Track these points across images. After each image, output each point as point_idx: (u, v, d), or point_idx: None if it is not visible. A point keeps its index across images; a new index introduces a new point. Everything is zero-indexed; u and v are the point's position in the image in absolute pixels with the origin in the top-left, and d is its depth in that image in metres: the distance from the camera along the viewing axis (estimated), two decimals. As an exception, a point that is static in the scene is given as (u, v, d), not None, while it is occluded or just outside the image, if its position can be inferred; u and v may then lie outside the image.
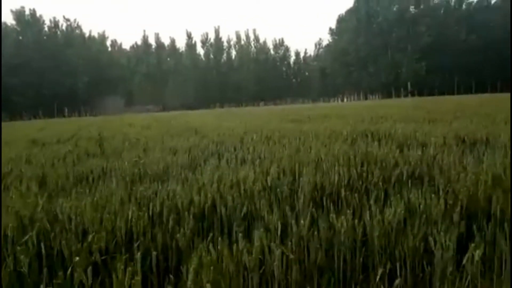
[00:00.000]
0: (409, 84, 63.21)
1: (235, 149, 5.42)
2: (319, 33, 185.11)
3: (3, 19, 70.19)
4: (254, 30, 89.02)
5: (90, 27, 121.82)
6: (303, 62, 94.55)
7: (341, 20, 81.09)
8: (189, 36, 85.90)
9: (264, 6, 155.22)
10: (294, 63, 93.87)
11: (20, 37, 69.10)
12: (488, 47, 65.85)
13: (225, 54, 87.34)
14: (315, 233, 2.32)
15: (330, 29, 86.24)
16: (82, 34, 78.17)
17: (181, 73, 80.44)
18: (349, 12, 78.02)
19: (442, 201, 2.74)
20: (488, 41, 65.88)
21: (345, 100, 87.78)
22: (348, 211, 2.47)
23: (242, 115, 20.67)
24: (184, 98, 76.77)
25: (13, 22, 69.62)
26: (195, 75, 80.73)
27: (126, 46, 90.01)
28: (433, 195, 2.80)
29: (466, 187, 3.01)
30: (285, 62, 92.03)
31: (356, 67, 71.96)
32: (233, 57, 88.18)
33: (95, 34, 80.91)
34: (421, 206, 2.62)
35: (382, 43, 67.15)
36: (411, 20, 67.25)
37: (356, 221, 2.40)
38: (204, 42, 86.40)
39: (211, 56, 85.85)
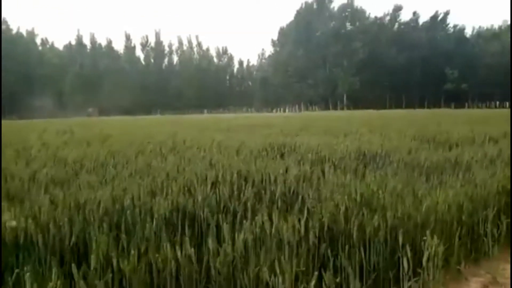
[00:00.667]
0: (345, 97, 66.42)
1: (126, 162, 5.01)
2: (263, 44, 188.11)
3: None
4: (197, 36, 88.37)
5: (18, 23, 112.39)
6: (247, 71, 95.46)
7: (282, 32, 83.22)
8: (127, 38, 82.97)
9: (208, 12, 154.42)
10: (238, 72, 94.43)
11: None
12: (414, 65, 71.43)
13: (166, 59, 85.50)
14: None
15: (272, 40, 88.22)
16: (8, 30, 72.08)
17: (118, 76, 77.12)
18: (290, 24, 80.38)
19: (303, 223, 2.60)
20: (414, 59, 71.50)
21: (287, 110, 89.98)
22: (187, 239, 2.22)
23: (171, 122, 20.07)
24: (121, 102, 73.55)
25: None
26: (133, 78, 77.92)
27: (59, 45, 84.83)
28: (294, 217, 2.66)
29: (333, 206, 2.93)
30: (228, 71, 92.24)
31: (296, 78, 74.09)
32: (175, 62, 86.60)
33: (23, 31, 74.99)
34: (273, 230, 2.45)
35: (320, 56, 69.98)
36: (347, 36, 70.98)
37: (193, 249, 2.16)
38: (144, 45, 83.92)
39: (151, 60, 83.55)
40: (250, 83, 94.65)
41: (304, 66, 72.50)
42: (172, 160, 4.80)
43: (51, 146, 7.76)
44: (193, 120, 24.76)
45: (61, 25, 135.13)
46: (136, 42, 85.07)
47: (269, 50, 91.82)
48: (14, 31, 72.95)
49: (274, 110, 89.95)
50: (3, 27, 70.86)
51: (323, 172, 4.14)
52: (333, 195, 3.25)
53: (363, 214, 2.79)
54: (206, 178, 3.54)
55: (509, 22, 63.72)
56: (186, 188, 3.26)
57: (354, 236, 2.61)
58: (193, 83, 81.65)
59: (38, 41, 78.98)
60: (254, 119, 22.65)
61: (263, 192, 3.24)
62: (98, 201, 2.68)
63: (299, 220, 2.61)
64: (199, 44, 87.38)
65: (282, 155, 5.72)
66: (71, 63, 78.07)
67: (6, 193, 3.41)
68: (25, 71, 68.33)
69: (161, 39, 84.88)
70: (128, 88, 75.71)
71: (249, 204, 3.01)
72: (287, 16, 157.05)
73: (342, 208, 2.81)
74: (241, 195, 3.19)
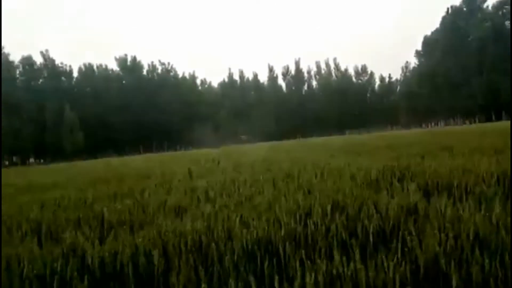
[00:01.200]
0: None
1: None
2: (405, 57, 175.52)
3: (110, 66, 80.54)
4: (335, 59, 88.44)
5: (183, 69, 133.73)
6: (389, 87, 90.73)
7: (427, 41, 76.64)
8: (270, 70, 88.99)
9: (344, 33, 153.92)
10: (379, 88, 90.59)
11: (124, 82, 78.57)
12: None
13: (305, 85, 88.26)
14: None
15: (417, 51, 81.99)
16: (175, 76, 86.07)
17: (263, 105, 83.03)
18: (436, 32, 73.47)
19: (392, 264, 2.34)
20: None
21: (440, 124, 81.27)
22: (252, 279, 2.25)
23: (302, 146, 20.35)
24: (266, 128, 78.71)
25: (117, 68, 79.65)
26: (276, 105, 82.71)
27: (215, 83, 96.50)
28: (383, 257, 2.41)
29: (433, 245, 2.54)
30: (369, 89, 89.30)
31: (447, 90, 66.55)
32: (314, 87, 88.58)
33: (186, 75, 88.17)
34: (349, 272, 2.26)
35: (475, 63, 61.27)
36: (508, 35, 60.53)
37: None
38: (285, 74, 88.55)
39: (292, 87, 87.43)
40: (393, 99, 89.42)
41: (456, 75, 64.62)
42: (271, 190, 4.92)
43: (193, 174, 8.82)
44: (326, 142, 24.62)
45: (215, 66, 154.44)
46: (278, 72, 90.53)
47: (413, 62, 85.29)
48: (180, 76, 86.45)
49: (424, 125, 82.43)
50: (171, 74, 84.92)
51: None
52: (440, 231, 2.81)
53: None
54: (299, 208, 3.52)
55: None
56: (275, 219, 3.30)
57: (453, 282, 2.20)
58: (332, 105, 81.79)
59: (197, 82, 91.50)
60: (392, 138, 21.13)
61: (357, 225, 3.02)
62: (183, 233, 2.96)
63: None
64: (336, 66, 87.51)
65: (400, 180, 5.20)
66: (224, 98, 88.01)
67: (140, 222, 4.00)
68: (187, 110, 79.83)
69: (301, 66, 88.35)
70: (272, 115, 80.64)
71: (335, 240, 2.86)
72: (430, 24, 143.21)
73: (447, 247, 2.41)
74: (331, 228, 3.05)
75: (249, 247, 2.81)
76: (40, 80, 71.89)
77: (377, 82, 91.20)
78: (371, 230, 3.01)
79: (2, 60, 62.65)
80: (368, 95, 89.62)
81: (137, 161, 23.27)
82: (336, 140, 30.21)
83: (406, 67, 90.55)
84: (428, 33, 78.36)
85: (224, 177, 7.31)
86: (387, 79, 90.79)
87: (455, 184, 4.68)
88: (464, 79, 63.83)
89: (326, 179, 5.65)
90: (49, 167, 30.29)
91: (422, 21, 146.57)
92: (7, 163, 64.97)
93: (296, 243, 2.89)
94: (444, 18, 71.42)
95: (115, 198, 5.88)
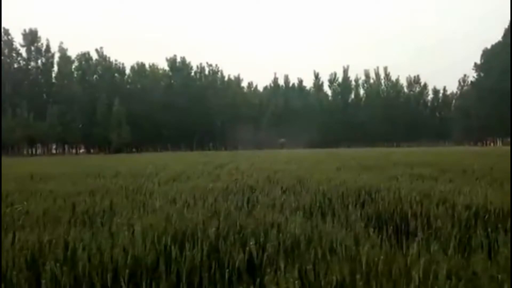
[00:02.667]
0: None
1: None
2: (463, 69, 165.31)
3: (160, 66, 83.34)
4: (386, 68, 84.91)
5: (229, 71, 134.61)
6: (443, 100, 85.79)
7: (487, 54, 71.38)
8: (316, 76, 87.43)
9: (397, 41, 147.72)
10: (432, 101, 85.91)
11: (172, 81, 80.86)
12: None
13: (352, 94, 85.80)
14: None
15: (475, 64, 76.63)
16: (222, 77, 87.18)
17: (307, 111, 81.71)
18: (497, 45, 68.22)
19: None
20: None
21: (498, 143, 75.32)
22: None
23: (334, 156, 19.27)
24: (309, 135, 77.22)
25: (167, 68, 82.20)
26: (320, 113, 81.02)
27: (261, 87, 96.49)
28: None
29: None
30: (421, 101, 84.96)
31: (506, 107, 61.41)
32: (361, 96, 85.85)
33: (232, 77, 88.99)
34: None
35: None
36: None
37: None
38: (332, 81, 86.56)
39: (338, 95, 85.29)
40: (447, 113, 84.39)
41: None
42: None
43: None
44: (354, 154, 23.27)
45: (262, 69, 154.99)
46: (325, 79, 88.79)
47: (471, 75, 79.81)
48: (226, 78, 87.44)
49: (479, 143, 76.63)
50: (218, 75, 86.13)
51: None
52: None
53: None
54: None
55: None
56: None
57: None
58: (378, 116, 78.66)
59: (243, 84, 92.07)
60: (430, 154, 19.49)
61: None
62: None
63: None
64: (387, 76, 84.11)
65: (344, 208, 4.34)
66: (269, 103, 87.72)
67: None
68: (231, 111, 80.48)
69: (349, 74, 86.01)
70: (315, 123, 78.99)
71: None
72: (491, 37, 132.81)
73: None
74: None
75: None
76: (95, 76, 75.86)
77: (430, 94, 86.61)
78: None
79: (62, 56, 66.84)
80: (420, 107, 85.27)
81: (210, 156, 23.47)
82: (365, 152, 28.70)
83: (464, 80, 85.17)
84: (488, 46, 73.09)
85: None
86: (441, 92, 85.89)
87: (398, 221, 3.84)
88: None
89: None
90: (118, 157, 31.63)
91: (484, 33, 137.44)
92: (54, 151, 69.12)
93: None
94: (506, 30, 66.16)
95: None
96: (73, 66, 71.25)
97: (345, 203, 4.46)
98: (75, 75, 71.30)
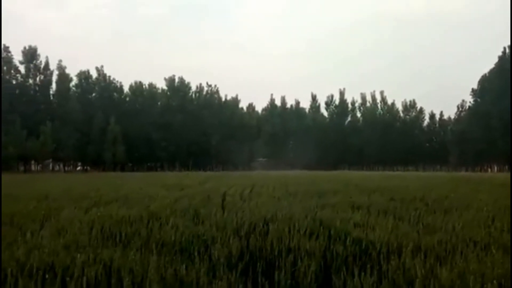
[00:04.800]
0: None
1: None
2: (460, 95, 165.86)
3: (158, 85, 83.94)
4: (382, 92, 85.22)
5: (226, 92, 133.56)
6: (439, 125, 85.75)
7: (483, 80, 71.82)
8: (313, 98, 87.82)
9: (394, 65, 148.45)
10: (428, 126, 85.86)
11: (170, 101, 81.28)
12: None
13: (349, 117, 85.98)
14: None
15: (473, 89, 76.92)
16: (219, 98, 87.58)
17: (303, 133, 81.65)
18: (492, 71, 68.72)
19: None
20: None
21: (489, 170, 74.85)
22: None
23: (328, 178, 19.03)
24: (304, 157, 76.88)
25: (165, 88, 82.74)
26: (316, 135, 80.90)
27: (259, 108, 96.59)
28: None
29: None
30: (417, 125, 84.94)
31: (501, 133, 61.23)
32: (357, 119, 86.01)
33: (229, 98, 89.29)
34: None
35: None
36: None
37: None
38: (329, 104, 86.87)
39: (334, 117, 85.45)
40: (443, 138, 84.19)
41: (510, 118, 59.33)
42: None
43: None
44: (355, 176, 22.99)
45: (259, 91, 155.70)
46: (322, 101, 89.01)
47: (469, 101, 79.95)
48: (223, 99, 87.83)
49: (476, 168, 76.04)
50: (215, 96, 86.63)
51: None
52: None
53: None
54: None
55: None
56: None
57: None
58: (374, 139, 78.52)
59: (241, 105, 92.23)
60: (407, 179, 19.21)
61: None
62: None
63: None
64: (383, 100, 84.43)
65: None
66: (266, 124, 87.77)
67: None
68: (227, 132, 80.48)
69: (345, 97, 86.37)
70: (311, 144, 78.72)
71: None
72: (488, 63, 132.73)
73: None
74: None
75: None
76: (93, 94, 76.47)
77: (427, 119, 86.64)
78: None
79: (60, 74, 67.57)
80: (416, 131, 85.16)
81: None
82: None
83: (462, 105, 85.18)
84: (486, 71, 73.50)
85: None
86: (438, 117, 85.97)
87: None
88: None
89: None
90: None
91: (482, 58, 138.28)
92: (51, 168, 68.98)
93: None
94: (500, 57, 66.71)
95: None
96: (72, 84, 71.99)
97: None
98: (75, 93, 71.89)
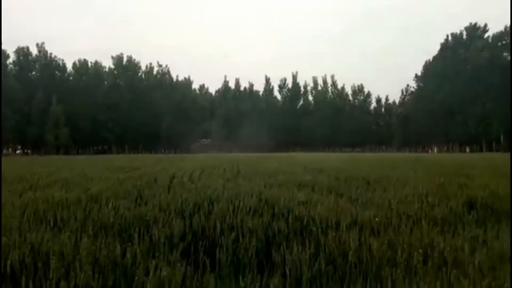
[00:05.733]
0: (501, 137, 54.76)
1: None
2: (405, 79, 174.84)
3: (104, 63, 79.89)
4: (333, 76, 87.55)
5: (177, 72, 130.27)
6: (385, 109, 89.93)
7: (427, 66, 76.00)
8: (267, 81, 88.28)
9: (344, 50, 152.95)
10: (375, 109, 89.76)
11: (118, 80, 77.70)
12: None
13: (301, 100, 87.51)
14: None
15: (416, 75, 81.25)
16: (170, 78, 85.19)
17: (256, 116, 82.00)
18: (436, 58, 72.83)
19: None
20: None
21: (435, 150, 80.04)
22: None
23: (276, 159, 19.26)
24: (258, 139, 77.33)
25: (112, 66, 78.86)
26: (270, 118, 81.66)
27: (212, 90, 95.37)
28: None
29: None
30: (364, 109, 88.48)
31: (442, 116, 65.51)
32: (309, 102, 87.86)
33: (181, 78, 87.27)
34: None
35: (471, 91, 60.22)
36: (505, 67, 59.48)
37: None
38: (282, 87, 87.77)
39: (287, 100, 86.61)
40: (388, 121, 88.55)
41: (451, 102, 63.62)
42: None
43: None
44: (301, 157, 23.47)
45: (212, 72, 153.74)
46: (275, 84, 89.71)
47: (412, 86, 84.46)
48: (175, 80, 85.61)
49: (419, 150, 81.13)
50: (166, 76, 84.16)
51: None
52: None
53: None
54: None
55: None
56: None
57: None
58: (325, 122, 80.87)
59: (193, 86, 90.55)
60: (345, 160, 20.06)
61: None
62: None
63: None
64: (334, 84, 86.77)
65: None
66: (219, 106, 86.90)
67: None
68: (179, 114, 78.71)
69: (298, 80, 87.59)
70: (264, 127, 79.35)
71: None
72: (433, 49, 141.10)
73: None
74: None
75: None
76: (33, 72, 71.21)
77: (373, 103, 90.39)
78: None
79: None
80: (363, 115, 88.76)
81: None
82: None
83: (406, 90, 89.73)
84: (430, 57, 77.74)
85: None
86: (383, 101, 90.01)
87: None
88: (459, 107, 62.84)
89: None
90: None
91: (427, 45, 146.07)
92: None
93: None
94: (443, 44, 70.79)
95: None
96: (10, 61, 66.40)
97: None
98: (11, 71, 66.41)
